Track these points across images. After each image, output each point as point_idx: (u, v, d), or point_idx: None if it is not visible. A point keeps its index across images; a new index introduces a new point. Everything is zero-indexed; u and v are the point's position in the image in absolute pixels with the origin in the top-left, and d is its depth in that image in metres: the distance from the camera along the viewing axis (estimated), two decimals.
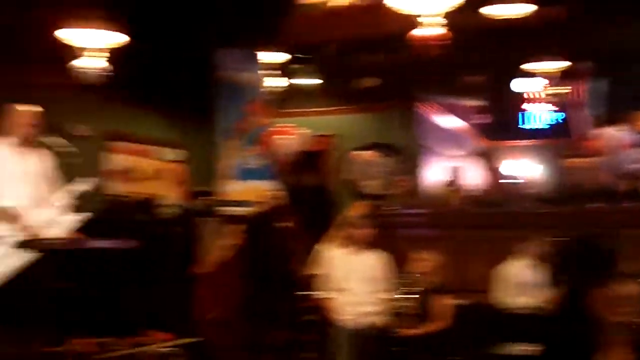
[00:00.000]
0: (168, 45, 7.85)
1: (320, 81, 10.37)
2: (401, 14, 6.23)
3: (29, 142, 5.38)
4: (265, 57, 8.68)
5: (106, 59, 6.93)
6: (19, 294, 5.07)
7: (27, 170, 5.32)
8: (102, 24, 6.67)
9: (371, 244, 6.21)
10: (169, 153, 9.89)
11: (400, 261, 6.24)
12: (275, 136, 8.50)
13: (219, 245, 7.47)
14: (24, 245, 5.03)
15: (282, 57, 8.92)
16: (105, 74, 6.98)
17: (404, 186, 9.48)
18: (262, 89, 8.72)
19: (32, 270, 5.09)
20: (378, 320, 5.98)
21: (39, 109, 5.42)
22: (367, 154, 10.16)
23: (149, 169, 9.62)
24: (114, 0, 6.60)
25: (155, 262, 7.43)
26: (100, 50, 6.83)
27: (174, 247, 7.88)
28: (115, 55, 6.95)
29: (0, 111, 5.34)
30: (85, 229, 5.48)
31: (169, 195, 9.31)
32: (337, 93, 10.75)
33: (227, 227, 7.63)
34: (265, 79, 8.82)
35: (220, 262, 7.33)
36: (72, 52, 6.82)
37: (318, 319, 6.30)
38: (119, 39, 6.84)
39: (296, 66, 9.61)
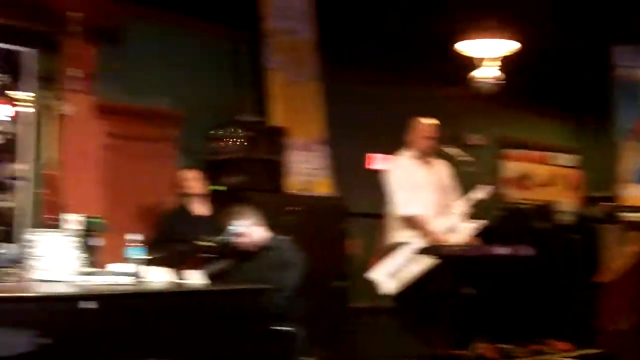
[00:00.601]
0: (563, 46, 7.66)
1: None
2: None
3: (430, 153, 5.66)
4: None
5: (500, 66, 6.99)
6: (422, 297, 5.33)
7: (430, 180, 5.59)
8: (499, 33, 6.74)
9: None
10: (564, 158, 9.76)
11: None
12: None
13: (622, 253, 7.10)
14: (426, 251, 5.26)
15: None
16: (500, 82, 7.04)
17: None
18: None
19: (434, 275, 5.31)
20: None
21: (436, 121, 5.66)
22: None
23: (544, 175, 9.57)
24: (508, 8, 6.62)
25: (554, 270, 7.30)
26: (496, 59, 6.91)
27: (573, 254, 7.68)
28: (509, 61, 6.98)
29: (406, 124, 5.69)
30: (482, 235, 5.58)
31: (564, 201, 9.14)
32: None
33: (629, 234, 7.21)
34: None
35: (624, 271, 6.95)
36: (471, 64, 6.99)
37: None
38: (514, 45, 6.86)
39: None
